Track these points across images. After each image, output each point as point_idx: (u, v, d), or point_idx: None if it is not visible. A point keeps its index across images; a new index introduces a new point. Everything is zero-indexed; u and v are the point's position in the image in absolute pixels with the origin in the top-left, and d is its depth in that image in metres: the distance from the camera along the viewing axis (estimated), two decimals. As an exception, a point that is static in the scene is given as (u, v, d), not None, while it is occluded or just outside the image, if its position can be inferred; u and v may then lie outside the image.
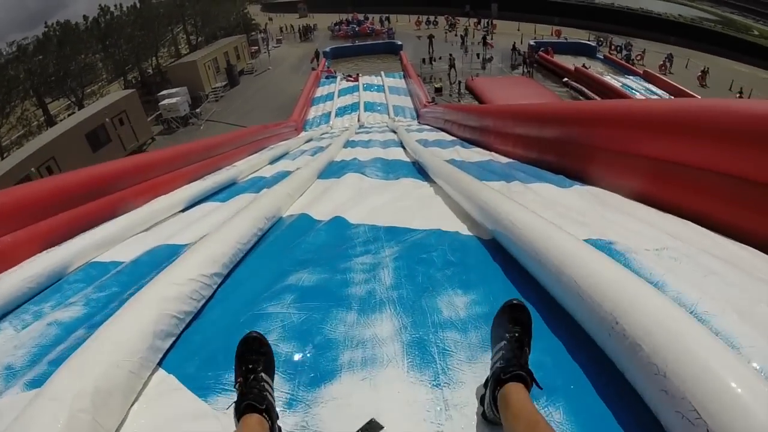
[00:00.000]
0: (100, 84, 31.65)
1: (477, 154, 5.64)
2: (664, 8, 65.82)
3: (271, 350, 1.48)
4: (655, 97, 20.10)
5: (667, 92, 21.63)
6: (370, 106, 17.34)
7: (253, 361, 1.38)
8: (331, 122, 16.30)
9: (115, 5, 31.19)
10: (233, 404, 1.29)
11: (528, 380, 1.17)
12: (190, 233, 3.13)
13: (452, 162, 4.74)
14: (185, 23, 36.23)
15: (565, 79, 24.01)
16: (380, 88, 20.08)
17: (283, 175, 5.15)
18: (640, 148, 3.01)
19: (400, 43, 31.69)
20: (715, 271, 1.70)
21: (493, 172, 4.15)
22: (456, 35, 35.96)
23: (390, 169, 4.88)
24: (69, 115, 24.74)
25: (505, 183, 3.54)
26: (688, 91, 21.00)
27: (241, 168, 6.03)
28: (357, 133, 10.99)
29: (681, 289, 1.57)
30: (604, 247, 1.94)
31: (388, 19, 42.52)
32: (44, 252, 3.07)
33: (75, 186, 3.85)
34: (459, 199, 3.10)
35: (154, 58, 33.78)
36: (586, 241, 1.90)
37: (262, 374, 1.35)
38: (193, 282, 1.94)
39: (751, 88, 23.12)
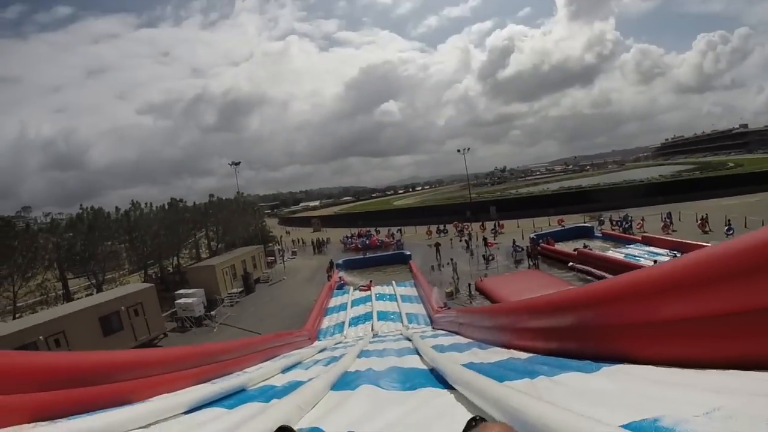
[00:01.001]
0: (121, 273, 32.94)
1: (495, 354, 5.47)
2: (644, 174, 70.55)
3: None
4: (660, 258, 20.34)
5: (668, 249, 22.64)
6: (383, 315, 17.50)
7: None
8: (344, 332, 16.26)
9: (146, 203, 34.15)
10: None
11: None
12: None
13: (470, 366, 4.59)
14: (208, 230, 39.00)
15: (570, 263, 24.85)
16: (392, 297, 20.51)
17: (295, 385, 4.97)
18: (661, 313, 2.94)
19: (408, 253, 33.46)
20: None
21: (515, 370, 3.99)
22: (460, 240, 38.52)
23: (406, 379, 4.71)
24: (87, 295, 25.55)
25: (530, 380, 3.39)
26: (693, 242, 21.99)
27: (252, 375, 5.84)
28: (371, 342, 10.88)
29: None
30: (649, 426, 1.78)
31: (400, 231, 45.51)
32: (33, 424, 2.89)
33: (82, 366, 3.72)
34: (482, 405, 2.93)
35: (175, 257, 35.56)
36: (627, 426, 1.76)
37: None
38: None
39: (744, 215, 25.29)
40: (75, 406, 3.44)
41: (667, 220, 30.09)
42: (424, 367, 5.49)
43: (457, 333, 10.09)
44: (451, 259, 26.65)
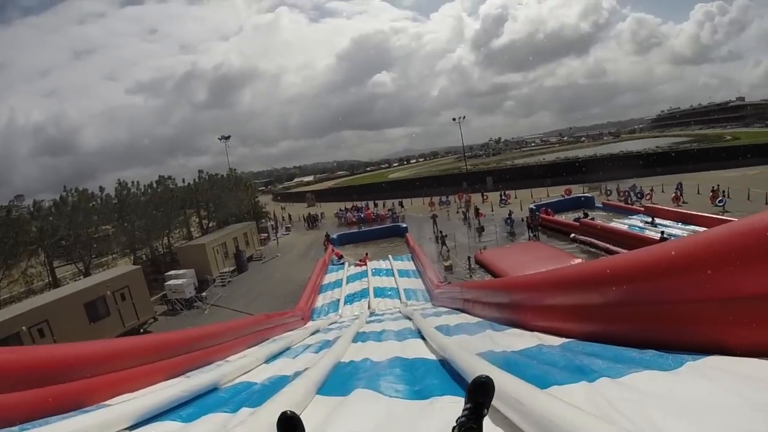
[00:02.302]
0: (112, 256, 32.01)
1: (518, 339, 4.59)
2: (641, 146, 70.42)
3: (301, 422, 1.92)
4: (665, 229, 19.70)
5: (673, 221, 22.01)
6: (380, 292, 16.65)
7: None
8: (339, 310, 15.42)
9: (133, 182, 32.99)
10: None
11: None
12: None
13: (491, 356, 3.71)
14: (198, 207, 37.94)
15: (572, 234, 24.11)
16: (389, 272, 19.68)
17: (276, 383, 4.17)
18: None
19: (405, 225, 32.75)
20: None
21: (555, 365, 3.09)
22: (457, 212, 37.98)
23: (414, 378, 3.79)
24: (74, 282, 24.48)
25: (588, 384, 2.48)
26: (699, 214, 21.62)
27: (229, 368, 4.95)
28: (368, 323, 10.02)
29: None
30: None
31: (401, 203, 44.77)
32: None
33: (39, 362, 3.40)
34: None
35: (166, 237, 34.59)
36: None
37: None
38: None
39: (747, 188, 24.90)
40: (18, 413, 3.03)
41: (677, 191, 29.14)
42: (432, 357, 4.60)
43: (461, 310, 9.23)
44: (440, 232, 25.87)
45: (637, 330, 3.19)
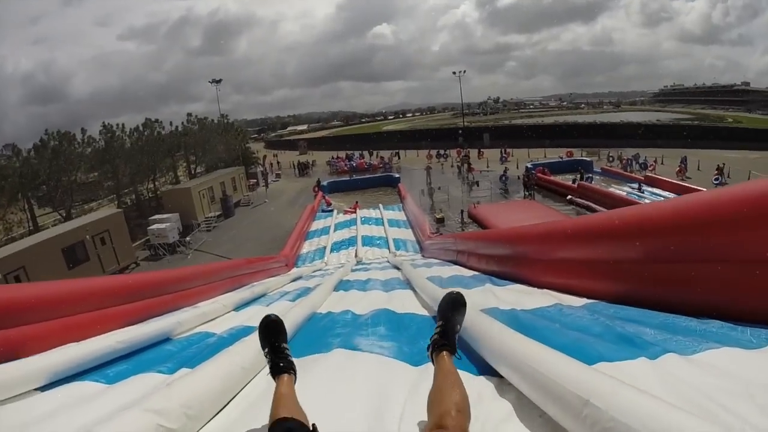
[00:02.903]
0: (99, 203, 31.09)
1: (526, 296, 3.93)
2: (641, 117, 69.91)
3: (284, 325, 2.04)
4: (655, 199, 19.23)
5: (673, 193, 21.28)
6: (368, 241, 16.01)
7: (274, 336, 1.96)
8: (325, 258, 14.79)
9: (118, 125, 31.67)
10: (269, 368, 1.88)
11: (453, 350, 1.84)
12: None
13: (496, 313, 3.04)
14: (187, 152, 36.74)
15: (569, 196, 23.58)
16: (379, 222, 18.99)
17: (237, 335, 3.51)
18: None
19: (397, 175, 32.00)
20: None
21: (589, 332, 2.40)
22: (452, 166, 37.19)
23: (404, 336, 3.08)
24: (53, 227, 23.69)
25: (651, 362, 1.78)
26: (703, 189, 20.88)
27: (185, 318, 4.24)
28: (353, 271, 9.37)
29: None
30: None
31: (398, 154, 44.12)
32: None
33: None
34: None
35: (152, 182, 33.58)
36: None
37: (283, 345, 1.96)
38: None
39: (748, 170, 24.06)
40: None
41: (682, 164, 28.37)
42: (425, 313, 3.89)
43: (454, 262, 8.54)
44: (432, 184, 25.02)
45: (685, 293, 2.50)
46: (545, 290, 4.00)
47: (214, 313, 4.82)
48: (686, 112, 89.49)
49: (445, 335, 1.87)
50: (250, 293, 6.43)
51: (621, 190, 23.34)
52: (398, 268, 8.30)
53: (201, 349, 3.24)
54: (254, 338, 2.29)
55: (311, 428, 1.45)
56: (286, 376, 1.80)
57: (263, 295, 6.77)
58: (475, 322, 2.43)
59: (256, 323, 3.85)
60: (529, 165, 29.75)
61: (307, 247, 16.95)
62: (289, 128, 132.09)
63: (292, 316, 3.61)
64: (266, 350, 1.95)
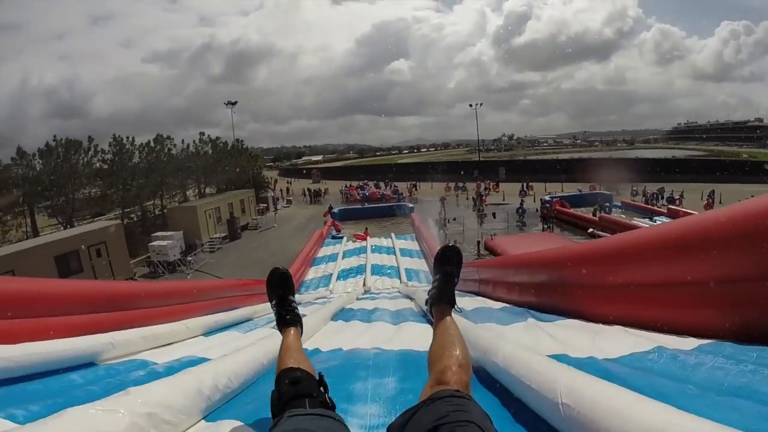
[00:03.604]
0: (107, 217, 30.40)
1: (597, 336, 2.74)
2: (656, 155, 68.49)
3: (291, 278, 1.97)
4: None
5: None
6: (378, 270, 14.83)
7: (283, 288, 1.91)
8: (331, 285, 13.63)
9: (127, 137, 31.24)
10: (276, 320, 1.88)
11: (452, 304, 1.81)
12: None
13: (572, 364, 1.86)
14: (197, 171, 36.20)
15: (591, 229, 22.52)
16: (390, 251, 17.85)
17: (185, 366, 2.34)
18: None
19: (411, 205, 31.10)
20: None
21: (757, 398, 1.27)
22: (467, 198, 36.34)
23: (417, 383, 1.92)
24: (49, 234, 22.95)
25: None
26: None
27: (126, 337, 3.16)
28: (359, 299, 8.18)
29: None
30: None
31: (415, 186, 43.70)
32: None
33: None
34: None
35: (159, 199, 32.92)
36: None
37: (290, 297, 1.92)
38: None
39: None
40: None
41: (710, 198, 27.61)
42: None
43: (476, 293, 7.32)
44: (442, 216, 23.89)
45: None
46: (616, 326, 2.85)
47: (171, 337, 3.72)
48: (701, 149, 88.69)
49: (443, 289, 1.83)
50: (228, 317, 5.38)
51: (645, 223, 22.15)
52: (411, 298, 7.12)
53: (110, 387, 2.14)
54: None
55: (317, 377, 1.47)
56: (292, 329, 1.81)
57: (248, 320, 5.66)
58: (557, 377, 1.34)
59: (218, 354, 2.77)
60: (547, 197, 28.98)
61: (312, 273, 15.85)
62: (304, 158, 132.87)
63: (263, 349, 2.54)
64: (273, 302, 1.94)
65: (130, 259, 22.07)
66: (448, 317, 1.69)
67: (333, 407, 1.39)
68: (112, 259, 19.69)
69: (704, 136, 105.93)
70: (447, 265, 1.89)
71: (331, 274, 14.85)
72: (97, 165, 29.67)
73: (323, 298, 10.37)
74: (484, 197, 32.21)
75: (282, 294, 1.89)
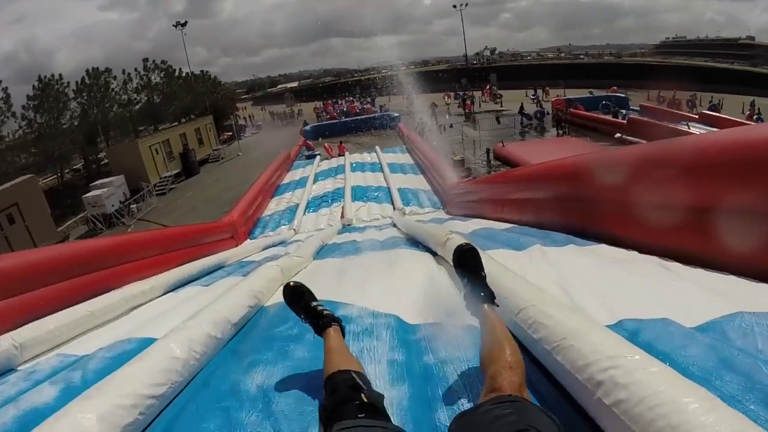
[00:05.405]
0: (44, 175, 26.17)
1: (624, 269, 2.44)
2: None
3: (303, 286, 1.91)
4: None
5: None
6: (361, 193, 11.40)
7: (302, 300, 1.85)
8: (296, 222, 9.87)
9: (59, 74, 26.85)
10: (313, 330, 1.78)
11: (491, 299, 1.66)
12: None
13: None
14: (150, 96, 31.58)
15: (618, 134, 19.92)
16: (376, 167, 14.12)
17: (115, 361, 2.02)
18: None
19: (396, 114, 27.68)
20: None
21: None
22: (459, 106, 33.82)
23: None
24: None
25: None
26: None
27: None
28: (337, 243, 5.74)
29: None
30: None
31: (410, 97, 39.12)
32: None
33: None
34: None
35: (104, 142, 28.49)
36: None
37: (313, 303, 1.84)
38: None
39: None
40: None
41: (753, 107, 25.17)
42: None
43: (480, 216, 5.89)
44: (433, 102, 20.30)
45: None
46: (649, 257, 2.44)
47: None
48: (691, 64, 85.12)
49: (476, 287, 1.71)
50: (162, 281, 3.88)
51: (683, 126, 18.98)
52: (418, 241, 4.45)
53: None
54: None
55: (365, 375, 1.46)
56: (331, 330, 1.75)
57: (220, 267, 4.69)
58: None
59: (160, 332, 2.21)
60: (563, 98, 26.44)
61: (273, 206, 12.07)
62: (279, 86, 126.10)
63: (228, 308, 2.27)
64: (302, 316, 1.87)
65: (55, 220, 18.95)
66: (491, 315, 1.60)
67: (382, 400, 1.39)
68: (29, 224, 16.36)
69: (693, 52, 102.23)
70: (469, 265, 1.79)
71: (297, 205, 11.08)
72: (19, 114, 24.99)
73: (283, 243, 6.88)
74: (468, 103, 30.51)
75: (304, 305, 1.86)
